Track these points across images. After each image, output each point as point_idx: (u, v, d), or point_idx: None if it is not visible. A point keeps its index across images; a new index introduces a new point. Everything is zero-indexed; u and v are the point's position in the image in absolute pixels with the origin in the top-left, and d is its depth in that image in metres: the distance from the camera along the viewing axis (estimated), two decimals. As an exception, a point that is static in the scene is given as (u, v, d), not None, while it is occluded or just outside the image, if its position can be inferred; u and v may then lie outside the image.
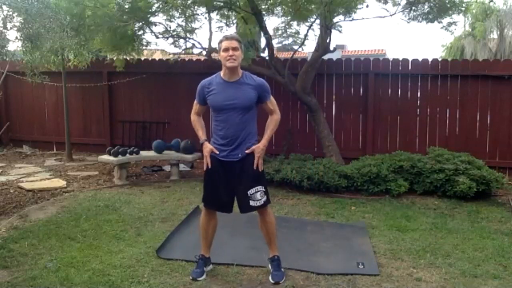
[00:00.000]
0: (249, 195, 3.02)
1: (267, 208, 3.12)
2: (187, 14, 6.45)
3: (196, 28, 6.58)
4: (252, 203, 3.02)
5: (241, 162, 3.05)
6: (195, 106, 3.28)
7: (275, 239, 3.18)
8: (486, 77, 6.56)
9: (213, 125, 3.19)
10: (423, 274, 3.21)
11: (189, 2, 6.17)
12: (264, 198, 3.06)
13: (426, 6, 6.05)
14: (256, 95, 3.08)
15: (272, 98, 3.23)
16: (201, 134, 3.23)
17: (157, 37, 6.54)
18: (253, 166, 3.04)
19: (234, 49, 2.99)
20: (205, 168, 3.13)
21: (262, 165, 3.10)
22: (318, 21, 6.06)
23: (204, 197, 3.18)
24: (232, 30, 7.44)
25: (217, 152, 3.07)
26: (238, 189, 3.08)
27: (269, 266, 3.17)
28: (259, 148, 3.08)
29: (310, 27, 6.04)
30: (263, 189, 3.06)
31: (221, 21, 6.75)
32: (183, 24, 6.60)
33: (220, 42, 3.05)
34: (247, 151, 3.04)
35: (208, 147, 3.12)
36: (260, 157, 3.08)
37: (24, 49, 5.28)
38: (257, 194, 3.03)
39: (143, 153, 6.49)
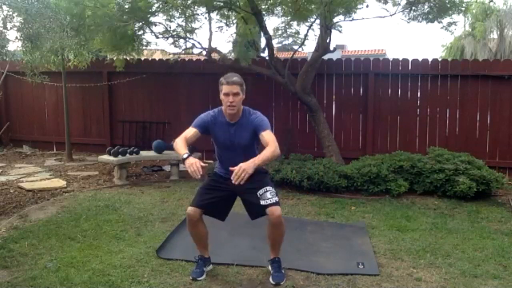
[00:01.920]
0: (258, 195, 2.96)
1: (282, 219, 2.97)
2: (187, 14, 6.45)
3: (196, 28, 6.58)
4: (263, 202, 2.94)
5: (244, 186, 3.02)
6: (188, 131, 3.06)
7: (280, 246, 3.14)
8: (486, 77, 6.56)
9: (216, 152, 3.22)
10: (423, 274, 3.21)
11: (189, 2, 6.16)
12: (276, 198, 2.99)
13: (426, 6, 6.05)
14: (254, 134, 3.03)
15: (268, 131, 2.98)
16: (184, 150, 2.91)
17: (157, 37, 6.54)
18: (254, 182, 2.92)
19: (235, 94, 2.95)
20: (198, 177, 2.74)
21: (243, 180, 2.71)
22: (318, 21, 6.06)
23: (193, 199, 3.09)
24: (232, 30, 7.46)
25: (204, 165, 2.82)
26: (246, 196, 3.06)
27: (269, 267, 3.17)
28: (244, 165, 2.72)
29: (310, 27, 6.04)
30: (272, 189, 3.01)
31: (221, 21, 6.74)
32: (183, 24, 6.60)
33: (221, 84, 3.01)
34: (231, 168, 2.76)
35: (193, 160, 2.79)
36: (243, 170, 2.69)
37: (24, 49, 5.28)
38: (267, 193, 2.96)
39: (143, 153, 6.49)
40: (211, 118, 3.10)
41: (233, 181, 2.71)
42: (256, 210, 3.01)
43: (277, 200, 2.99)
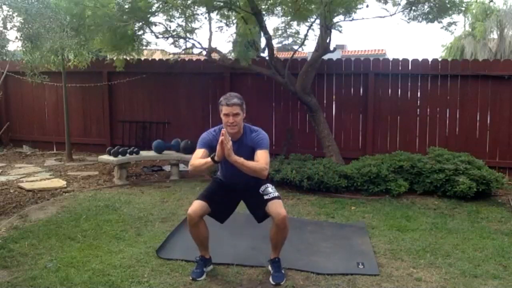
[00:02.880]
0: (261, 192, 3.06)
1: (287, 221, 3.01)
2: (187, 14, 6.45)
3: (196, 28, 6.58)
4: (266, 196, 3.04)
5: (245, 183, 3.13)
6: (197, 153, 3.02)
7: (281, 247, 3.17)
8: (486, 77, 6.56)
9: (219, 167, 3.25)
10: (423, 274, 3.21)
11: (189, 2, 6.17)
12: (277, 193, 3.09)
13: (426, 6, 6.05)
14: (253, 151, 3.05)
15: (266, 152, 3.02)
16: (205, 159, 2.95)
17: (157, 37, 6.54)
18: (258, 190, 3.06)
19: (235, 115, 2.97)
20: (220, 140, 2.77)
21: (226, 149, 2.78)
22: (318, 21, 6.06)
23: (201, 193, 3.17)
24: (232, 30, 7.45)
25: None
26: (249, 200, 3.15)
27: (269, 267, 3.17)
28: (230, 150, 2.80)
29: (310, 27, 6.04)
30: (273, 187, 3.12)
31: (221, 21, 6.75)
32: (183, 24, 6.60)
33: (221, 104, 3.01)
34: (220, 139, 2.77)
35: (222, 135, 2.77)
36: (227, 148, 2.76)
37: (24, 49, 5.28)
38: (269, 188, 3.08)
39: (143, 153, 6.49)
40: (213, 136, 3.09)
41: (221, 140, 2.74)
42: (262, 213, 3.07)
43: (279, 195, 3.09)
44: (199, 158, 2.99)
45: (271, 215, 3.00)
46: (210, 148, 3.03)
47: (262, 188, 3.07)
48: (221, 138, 2.78)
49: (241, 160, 2.88)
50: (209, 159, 2.92)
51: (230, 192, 3.17)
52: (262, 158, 2.97)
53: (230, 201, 3.23)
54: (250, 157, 3.03)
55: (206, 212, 3.08)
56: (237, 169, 2.94)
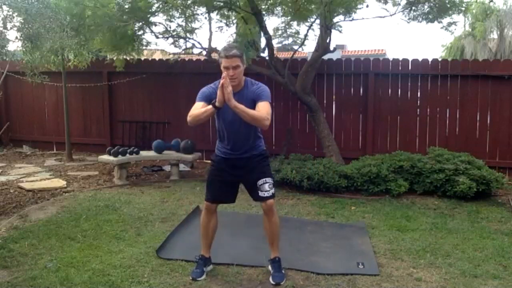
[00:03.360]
0: (258, 185, 3.06)
1: (273, 208, 3.09)
2: (187, 14, 6.45)
3: (196, 28, 6.57)
4: (260, 193, 3.05)
5: (246, 159, 3.10)
6: (198, 106, 2.98)
7: (278, 241, 3.18)
8: (486, 77, 6.56)
9: (217, 129, 3.15)
10: (423, 274, 3.21)
11: (189, 2, 6.16)
12: (272, 190, 3.09)
13: (426, 6, 6.05)
14: (255, 104, 2.97)
15: (265, 103, 2.94)
16: (206, 106, 2.91)
17: (157, 37, 6.53)
18: (259, 162, 3.07)
19: (235, 67, 2.90)
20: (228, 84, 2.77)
21: (226, 93, 2.76)
22: (318, 21, 6.06)
23: (206, 192, 3.20)
24: (232, 30, 7.45)
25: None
26: (247, 180, 3.14)
27: (269, 267, 3.18)
28: (230, 95, 2.77)
29: (310, 27, 6.04)
30: (271, 181, 3.11)
31: (221, 21, 6.74)
32: (183, 24, 6.60)
33: (220, 57, 2.96)
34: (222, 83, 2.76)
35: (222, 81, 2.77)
36: (227, 91, 2.75)
37: (24, 49, 5.28)
38: (266, 185, 3.06)
39: (143, 153, 6.49)
40: (213, 90, 3.03)
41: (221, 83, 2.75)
42: (257, 195, 3.09)
43: (273, 192, 3.10)
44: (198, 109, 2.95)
45: (261, 204, 3.09)
46: (210, 101, 2.97)
47: (260, 182, 3.05)
48: (221, 81, 2.74)
49: (241, 106, 2.80)
50: (209, 106, 2.87)
51: (229, 174, 3.13)
52: (263, 109, 2.90)
53: (234, 184, 3.20)
54: (252, 108, 2.94)
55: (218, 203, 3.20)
56: (242, 135, 2.94)
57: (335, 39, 37.49)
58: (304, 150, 6.94)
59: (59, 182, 5.84)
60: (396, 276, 3.19)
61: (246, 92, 3.01)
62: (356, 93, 7.12)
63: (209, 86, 3.12)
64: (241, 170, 3.11)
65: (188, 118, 2.97)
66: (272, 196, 3.08)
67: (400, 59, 6.91)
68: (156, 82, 7.97)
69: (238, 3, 6.08)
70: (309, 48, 36.86)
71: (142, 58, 7.99)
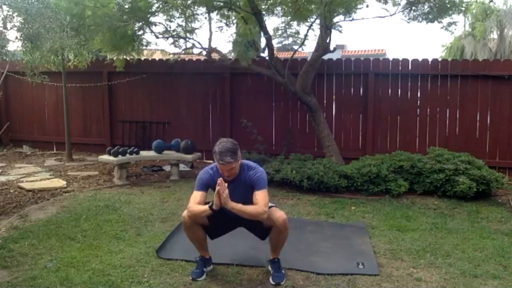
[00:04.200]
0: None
1: (287, 224, 3.01)
2: (187, 14, 6.45)
3: (196, 28, 6.58)
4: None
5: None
6: (196, 196, 3.01)
7: (281, 249, 3.17)
8: (486, 77, 6.56)
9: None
10: (423, 274, 3.21)
11: (189, 2, 6.17)
12: (270, 203, 3.07)
13: (426, 6, 6.05)
14: (252, 190, 3.00)
15: (265, 191, 2.96)
16: (204, 206, 2.96)
17: (157, 37, 6.54)
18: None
19: (229, 170, 2.94)
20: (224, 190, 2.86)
21: (223, 198, 2.84)
22: (318, 21, 6.06)
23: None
24: (232, 30, 7.44)
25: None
26: (246, 223, 3.09)
27: (269, 267, 3.18)
28: (227, 198, 2.83)
29: (310, 27, 6.04)
30: None
31: (221, 21, 6.75)
32: (183, 24, 6.60)
33: (216, 158, 2.93)
34: (217, 187, 2.83)
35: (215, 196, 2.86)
36: (223, 197, 2.82)
37: (24, 49, 5.28)
38: None
39: (143, 153, 6.49)
40: (210, 176, 3.06)
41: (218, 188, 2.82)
42: (262, 230, 3.08)
43: (273, 205, 3.09)
44: (197, 202, 2.98)
45: (273, 220, 2.97)
46: (208, 188, 3.05)
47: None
48: (217, 188, 2.82)
49: (238, 206, 2.87)
50: (207, 207, 2.92)
51: (228, 220, 3.09)
52: (261, 200, 2.91)
53: (228, 223, 3.15)
54: (248, 194, 2.98)
55: (203, 222, 3.06)
56: (238, 216, 2.94)
57: (335, 39, 37.57)
58: (304, 150, 6.94)
59: (59, 182, 5.84)
60: (396, 276, 3.19)
61: (242, 176, 3.03)
62: (356, 93, 7.11)
63: (207, 171, 3.10)
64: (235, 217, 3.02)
65: (188, 213, 3.01)
66: (272, 206, 3.06)
67: (400, 59, 6.91)
68: (156, 82, 7.97)
69: (238, 3, 6.08)
70: (309, 48, 36.88)
71: (142, 58, 7.99)
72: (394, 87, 6.99)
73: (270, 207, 3.01)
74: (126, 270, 3.19)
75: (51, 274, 3.11)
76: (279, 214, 2.99)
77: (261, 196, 2.93)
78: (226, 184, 2.88)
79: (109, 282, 3.01)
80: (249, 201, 2.95)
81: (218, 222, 3.09)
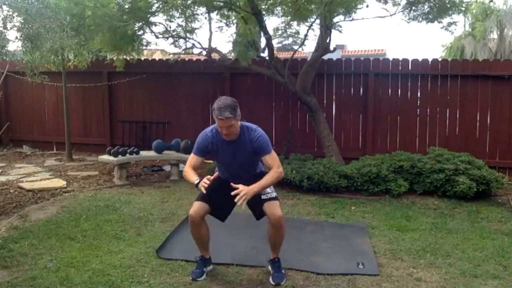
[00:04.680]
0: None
1: (282, 222, 3.01)
2: (187, 14, 6.46)
3: (196, 28, 6.58)
4: (263, 196, 3.01)
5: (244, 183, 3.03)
6: (192, 159, 3.10)
7: (280, 247, 3.17)
8: (486, 77, 6.56)
9: (217, 166, 3.26)
10: (423, 274, 3.21)
11: (189, 2, 6.17)
12: (275, 193, 3.08)
13: (426, 6, 6.05)
14: (254, 154, 3.03)
15: (272, 153, 3.02)
16: (194, 177, 2.98)
17: (157, 37, 6.54)
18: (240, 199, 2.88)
19: (228, 127, 2.91)
20: (204, 190, 2.88)
21: (244, 202, 2.82)
22: (318, 21, 6.06)
23: (201, 194, 3.02)
24: (232, 30, 7.43)
25: (211, 177, 2.93)
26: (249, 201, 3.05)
27: (269, 267, 3.17)
28: (246, 188, 2.83)
29: (310, 27, 6.04)
30: (272, 187, 3.08)
31: (221, 21, 6.75)
32: (183, 24, 6.61)
33: (214, 113, 2.90)
34: (232, 193, 2.82)
35: (202, 181, 2.88)
36: (245, 194, 2.81)
37: (24, 49, 5.28)
38: (267, 188, 3.03)
39: (143, 153, 6.49)
40: (209, 141, 3.07)
41: (235, 201, 2.82)
42: (259, 211, 3.06)
43: (276, 195, 3.08)
44: (192, 165, 3.07)
45: (267, 215, 3.01)
46: (205, 153, 3.08)
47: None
48: (206, 181, 2.86)
49: (260, 185, 2.89)
50: (194, 182, 2.94)
51: (229, 189, 3.05)
52: (273, 162, 2.99)
53: (230, 198, 3.12)
54: (251, 157, 3.03)
55: (207, 211, 3.07)
56: (241, 176, 2.97)
57: (335, 39, 37.55)
58: (304, 150, 6.94)
59: (59, 182, 5.84)
60: (396, 276, 3.19)
61: (243, 139, 3.02)
62: (356, 93, 7.12)
63: (206, 134, 3.10)
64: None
65: (183, 173, 3.14)
66: (276, 198, 3.06)
67: (400, 59, 6.92)
68: (156, 82, 7.97)
69: (238, 3, 6.08)
70: (309, 48, 36.87)
71: (142, 58, 7.99)
72: (394, 87, 6.99)
73: (274, 198, 3.03)
74: (126, 270, 3.19)
75: (51, 274, 3.11)
76: (276, 211, 2.98)
77: (272, 159, 3.00)
78: (239, 188, 2.83)
79: (109, 282, 3.01)
80: (251, 161, 3.00)
81: (218, 203, 3.08)
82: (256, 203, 3.03)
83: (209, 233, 3.17)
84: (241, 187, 2.84)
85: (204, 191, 2.84)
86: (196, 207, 3.04)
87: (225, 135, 2.97)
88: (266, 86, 7.41)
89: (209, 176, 2.92)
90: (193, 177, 2.99)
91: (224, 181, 3.13)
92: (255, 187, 2.87)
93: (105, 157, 6.15)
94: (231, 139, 3.01)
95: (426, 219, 4.54)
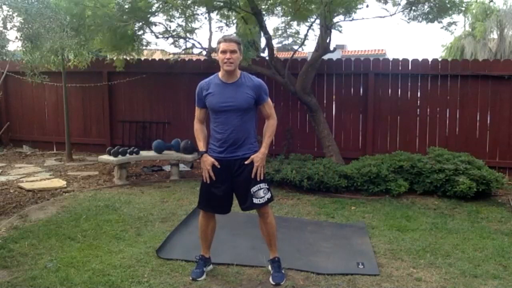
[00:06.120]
0: (252, 192, 3.01)
1: (268, 209, 3.09)
2: (187, 14, 6.45)
3: (196, 28, 6.58)
4: (255, 200, 3.01)
5: (240, 160, 3.04)
6: (197, 111, 3.21)
7: (276, 241, 3.17)
8: (486, 77, 6.56)
9: (211, 128, 3.14)
10: (423, 274, 3.21)
11: (189, 2, 6.16)
12: (268, 195, 3.06)
13: (426, 6, 6.05)
14: (254, 96, 3.02)
15: (269, 100, 3.14)
16: (202, 144, 3.13)
17: (157, 37, 6.54)
18: (252, 174, 3.01)
19: (232, 51, 2.94)
20: (204, 180, 3.08)
21: (262, 174, 3.03)
22: (318, 21, 6.06)
23: (199, 199, 3.16)
24: (232, 30, 7.44)
25: (218, 166, 3.02)
26: (239, 186, 3.06)
27: (269, 267, 3.17)
28: (258, 157, 3.02)
29: (310, 27, 6.04)
30: (266, 186, 3.06)
31: (221, 21, 6.75)
32: (183, 24, 6.61)
33: (219, 43, 3.00)
34: (246, 162, 3.00)
35: (208, 160, 3.04)
36: (260, 166, 3.02)
37: (24, 49, 5.27)
38: (260, 192, 3.01)
39: (143, 153, 6.49)
40: (205, 84, 3.09)
41: (252, 176, 2.98)
42: (247, 203, 3.05)
43: (270, 197, 3.08)
44: (200, 118, 3.21)
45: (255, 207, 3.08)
46: (203, 102, 3.12)
47: (255, 188, 3.01)
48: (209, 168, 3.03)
49: (266, 147, 3.06)
50: (200, 149, 3.12)
51: (224, 178, 3.06)
52: (271, 110, 3.13)
53: (226, 190, 3.10)
54: (249, 96, 3.00)
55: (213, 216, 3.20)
56: (239, 129, 3.00)
57: (335, 39, 37.58)
58: (304, 150, 6.94)
59: (59, 182, 5.84)
60: (396, 276, 3.19)
61: (244, 81, 3.04)
62: (356, 93, 7.12)
63: (204, 80, 3.14)
64: (234, 172, 3.05)
65: (194, 130, 3.27)
66: (268, 201, 3.06)
67: (400, 59, 6.92)
68: (156, 82, 7.97)
69: (238, 3, 6.08)
70: (309, 48, 36.89)
71: (142, 58, 7.99)
72: (394, 87, 6.99)
73: (267, 201, 3.05)
74: (126, 270, 3.19)
75: (51, 274, 3.11)
76: (264, 201, 3.03)
77: (270, 107, 3.14)
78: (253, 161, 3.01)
79: (109, 282, 3.01)
80: (247, 103, 3.00)
81: (219, 203, 3.12)
82: (244, 197, 3.06)
83: (214, 231, 3.23)
84: (254, 158, 2.99)
85: (206, 180, 3.04)
86: (201, 216, 3.19)
87: (227, 63, 2.94)
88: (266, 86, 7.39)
89: (209, 168, 3.03)
90: (200, 143, 3.14)
91: (220, 170, 3.04)
92: (262, 149, 3.04)
93: (105, 157, 6.15)
94: (230, 74, 2.99)
95: (426, 219, 4.54)
